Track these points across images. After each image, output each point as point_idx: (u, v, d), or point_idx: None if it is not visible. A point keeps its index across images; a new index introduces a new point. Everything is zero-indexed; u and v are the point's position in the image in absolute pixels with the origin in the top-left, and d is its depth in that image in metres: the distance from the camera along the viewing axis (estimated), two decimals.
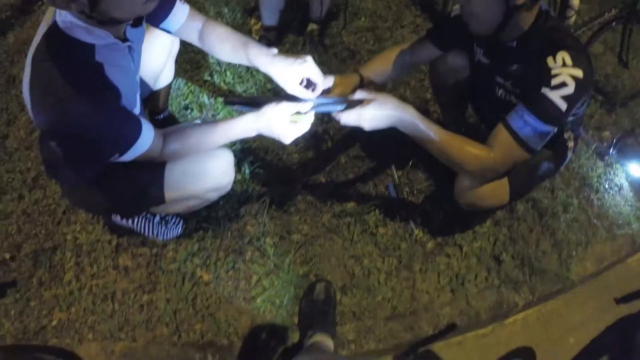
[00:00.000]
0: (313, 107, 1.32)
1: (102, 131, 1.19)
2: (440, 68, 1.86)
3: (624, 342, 1.47)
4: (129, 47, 1.26)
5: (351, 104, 1.33)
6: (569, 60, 1.33)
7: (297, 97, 1.33)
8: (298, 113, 1.30)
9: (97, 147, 1.26)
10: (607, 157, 2.49)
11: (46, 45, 1.11)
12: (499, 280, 1.97)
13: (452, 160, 1.44)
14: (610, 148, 2.51)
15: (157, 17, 1.40)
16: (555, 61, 1.35)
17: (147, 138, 1.29)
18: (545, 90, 1.34)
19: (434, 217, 2.04)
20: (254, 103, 1.36)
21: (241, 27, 2.64)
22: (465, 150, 1.41)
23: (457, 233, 2.03)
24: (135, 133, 1.25)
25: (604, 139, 2.59)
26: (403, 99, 2.35)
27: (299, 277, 1.84)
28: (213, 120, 1.41)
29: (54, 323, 1.76)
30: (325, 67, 2.47)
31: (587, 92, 1.41)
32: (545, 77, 1.35)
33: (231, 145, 1.95)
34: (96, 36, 1.12)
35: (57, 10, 1.10)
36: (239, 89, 2.33)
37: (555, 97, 1.33)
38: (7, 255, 1.89)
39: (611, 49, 3.02)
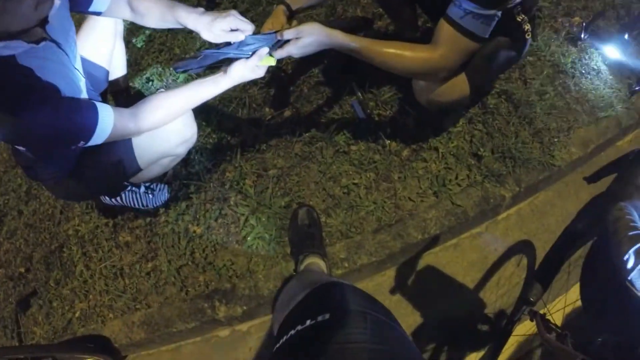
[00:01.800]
0: (254, 47, 1.35)
1: (57, 126, 1.23)
2: None
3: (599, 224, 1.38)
4: (55, 42, 1.27)
5: (281, 43, 1.35)
6: None
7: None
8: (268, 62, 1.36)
9: (61, 142, 1.31)
10: (579, 42, 2.39)
11: None
12: (481, 176, 1.95)
13: (397, 69, 1.42)
14: (582, 32, 2.41)
15: (81, 2, 1.40)
16: None
17: (107, 118, 1.31)
18: None
19: (404, 125, 2.03)
20: (201, 60, 1.38)
21: None
22: (407, 55, 1.39)
23: (431, 137, 2.01)
24: (92, 118, 1.27)
25: (574, 24, 2.48)
26: (355, 19, 2.34)
27: (282, 208, 1.89)
28: (183, 86, 1.44)
29: (77, 314, 1.88)
30: (273, 7, 2.43)
31: None
32: None
33: None
34: (12, 48, 1.13)
35: None
36: (192, 46, 2.35)
37: None
38: (22, 269, 2.02)
39: None
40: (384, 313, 0.81)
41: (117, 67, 1.90)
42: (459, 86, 1.62)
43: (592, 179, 1.46)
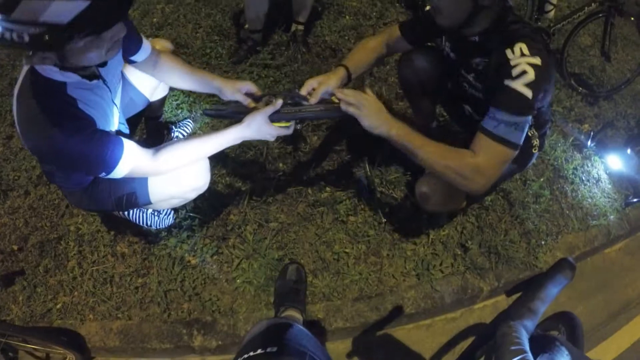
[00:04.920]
0: (292, 117, 1.48)
1: (83, 155, 1.32)
2: (405, 69, 1.97)
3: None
4: (103, 79, 1.40)
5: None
6: (526, 50, 1.36)
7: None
8: (282, 125, 1.48)
9: (83, 169, 1.42)
10: (585, 149, 2.51)
11: (26, 86, 1.26)
12: (464, 267, 2.07)
13: (438, 167, 1.43)
14: (588, 140, 2.52)
15: (126, 50, 1.55)
16: (513, 52, 1.38)
17: (130, 157, 1.40)
18: (508, 82, 1.36)
19: (402, 207, 2.17)
20: (228, 113, 1.58)
21: (230, 28, 2.78)
22: (452, 156, 1.41)
23: (425, 222, 2.13)
24: (117, 154, 1.36)
25: (583, 131, 2.61)
26: (379, 96, 2.49)
27: (275, 260, 2.00)
28: (203, 134, 1.56)
29: (58, 306, 1.93)
30: (308, 66, 2.60)
31: (548, 79, 1.42)
32: (505, 69, 1.38)
33: None
34: (67, 76, 1.27)
35: None
36: None
37: (519, 86, 1.35)
38: (15, 247, 2.07)
39: (600, 42, 2.87)
40: (324, 358, 0.96)
41: (157, 95, 1.99)
42: (456, 198, 1.74)
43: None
